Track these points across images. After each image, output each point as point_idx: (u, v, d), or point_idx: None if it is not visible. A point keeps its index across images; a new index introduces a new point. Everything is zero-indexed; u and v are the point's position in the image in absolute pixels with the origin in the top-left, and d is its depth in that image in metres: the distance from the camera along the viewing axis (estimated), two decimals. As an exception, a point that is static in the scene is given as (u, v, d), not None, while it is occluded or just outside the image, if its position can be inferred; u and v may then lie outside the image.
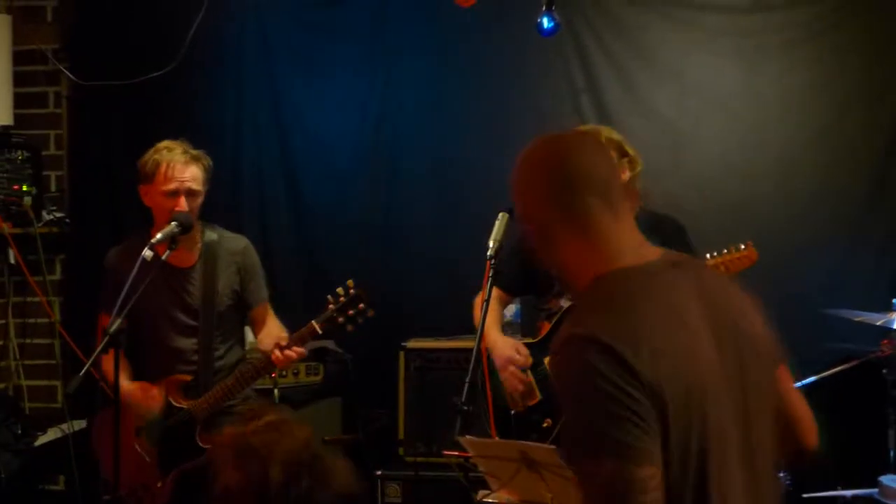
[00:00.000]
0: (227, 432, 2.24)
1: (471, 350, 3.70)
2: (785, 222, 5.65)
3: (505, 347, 4.13)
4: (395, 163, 6.12)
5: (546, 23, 5.42)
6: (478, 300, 4.17)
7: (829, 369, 4.96)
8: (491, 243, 3.73)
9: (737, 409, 2.25)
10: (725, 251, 3.88)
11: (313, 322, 4.17)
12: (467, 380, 3.58)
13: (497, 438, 3.91)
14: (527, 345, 4.22)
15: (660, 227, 4.16)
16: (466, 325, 4.58)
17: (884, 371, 4.82)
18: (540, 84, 5.97)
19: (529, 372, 4.13)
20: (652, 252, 2.38)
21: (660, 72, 5.87)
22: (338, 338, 5.62)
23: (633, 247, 2.35)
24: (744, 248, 3.87)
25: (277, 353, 4.16)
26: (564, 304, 4.10)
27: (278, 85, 6.19)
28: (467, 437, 3.33)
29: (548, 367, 4.05)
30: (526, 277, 4.22)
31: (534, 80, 5.97)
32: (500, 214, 3.81)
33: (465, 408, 3.51)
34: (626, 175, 4.16)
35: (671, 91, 5.86)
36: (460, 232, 5.78)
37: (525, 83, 5.96)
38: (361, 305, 4.18)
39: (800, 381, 4.91)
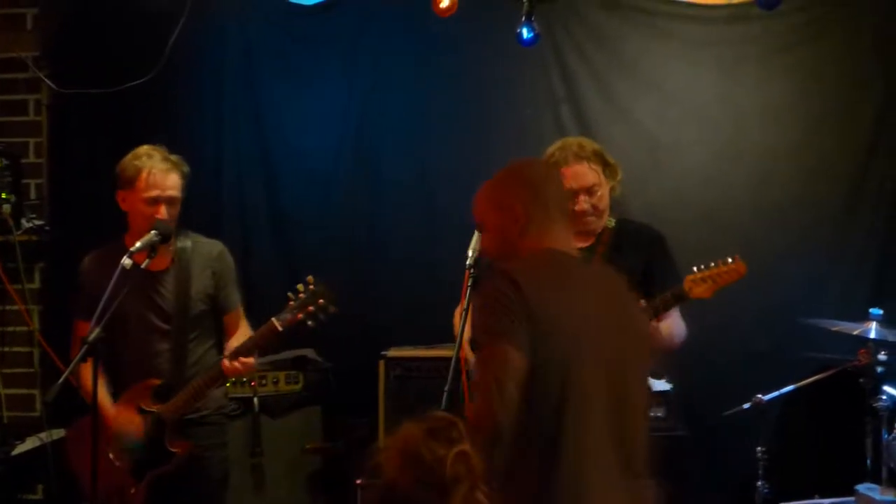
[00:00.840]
0: (407, 432, 2.26)
1: (451, 359, 3.70)
2: (763, 231, 5.68)
3: None
4: (376, 171, 6.12)
5: (526, 33, 5.45)
6: (458, 312, 4.19)
7: (807, 378, 4.99)
8: (470, 252, 3.72)
9: (609, 370, 2.88)
10: (713, 264, 3.89)
11: (273, 319, 4.16)
12: (446, 388, 3.58)
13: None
14: None
15: (640, 238, 4.20)
16: (447, 334, 4.58)
17: (861, 380, 4.84)
18: (520, 94, 5.98)
19: None
20: (575, 251, 3.18)
21: (639, 82, 5.90)
22: (317, 346, 5.62)
23: (564, 242, 3.10)
24: (731, 262, 3.87)
25: (226, 362, 4.16)
26: None
27: (259, 92, 6.18)
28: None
29: None
30: None
31: (514, 89, 5.98)
32: None
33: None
34: (611, 184, 4.19)
35: (651, 101, 5.89)
36: (441, 240, 5.78)
37: (506, 93, 5.97)
38: (321, 301, 4.16)
39: (778, 389, 4.95)
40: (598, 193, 4.16)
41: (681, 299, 3.96)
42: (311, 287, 4.17)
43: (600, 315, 2.94)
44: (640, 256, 4.14)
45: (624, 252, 4.13)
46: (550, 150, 4.25)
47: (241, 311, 4.54)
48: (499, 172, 3.24)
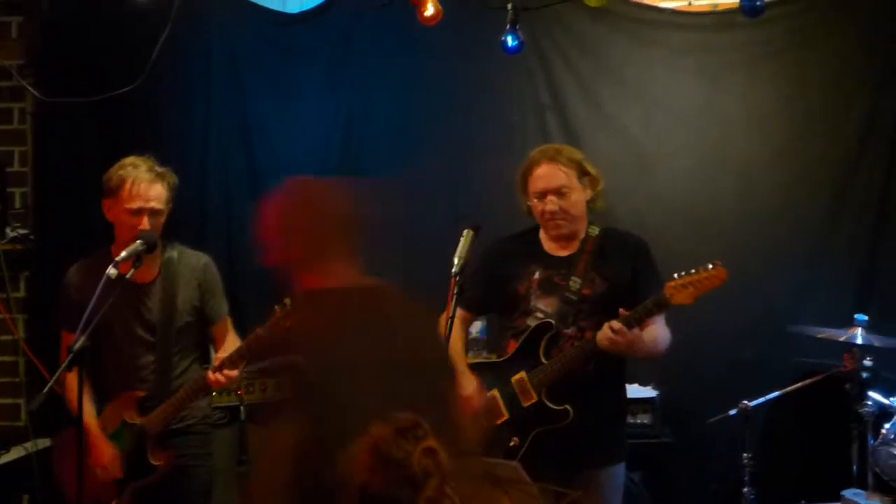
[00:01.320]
0: (375, 433, 2.32)
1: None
2: (748, 238, 5.70)
3: (469, 385, 4.07)
4: (362, 180, 6.11)
5: (510, 41, 5.46)
6: (442, 319, 4.19)
7: (792, 384, 5.00)
8: (456, 260, 3.78)
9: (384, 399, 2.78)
10: (693, 271, 3.88)
11: (258, 329, 4.14)
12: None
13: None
14: (493, 363, 4.24)
15: (625, 246, 4.19)
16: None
17: (846, 386, 4.87)
18: (506, 102, 5.99)
19: (496, 390, 4.13)
20: (353, 279, 3.14)
21: (625, 89, 5.91)
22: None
23: (342, 273, 3.08)
24: (712, 268, 3.87)
25: (210, 374, 4.16)
26: (532, 322, 4.10)
27: (245, 102, 6.17)
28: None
29: (514, 385, 4.07)
30: (490, 296, 4.24)
31: (500, 97, 5.99)
32: (465, 231, 3.87)
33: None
34: (588, 194, 4.18)
35: (636, 108, 5.90)
36: (427, 248, 5.76)
37: (491, 101, 5.99)
38: None
39: (764, 395, 4.97)
40: (570, 198, 4.11)
41: (662, 306, 3.93)
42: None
43: (379, 357, 2.94)
44: (625, 264, 4.12)
45: (609, 260, 4.13)
46: (531, 153, 4.26)
47: (228, 321, 4.53)
48: (284, 193, 3.21)
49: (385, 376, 2.87)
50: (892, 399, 4.78)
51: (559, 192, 4.10)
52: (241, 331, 4.57)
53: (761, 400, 4.97)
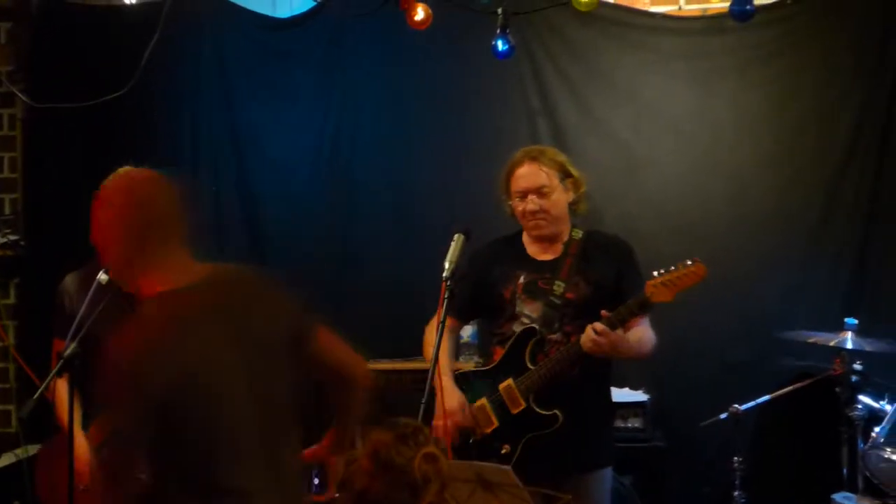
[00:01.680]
0: (376, 438, 2.38)
1: (427, 372, 3.70)
2: (739, 242, 5.70)
3: (453, 399, 4.05)
4: (352, 185, 6.12)
5: (501, 45, 5.47)
6: (428, 328, 4.21)
7: (783, 388, 5.01)
8: (446, 264, 3.75)
9: (256, 395, 2.73)
10: (673, 268, 3.88)
11: None
12: (423, 401, 3.60)
13: (453, 459, 3.89)
14: (481, 371, 4.21)
15: (609, 249, 4.18)
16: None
17: (837, 389, 4.88)
18: (496, 106, 6.00)
19: (485, 398, 4.10)
20: (197, 272, 2.86)
21: (615, 94, 5.92)
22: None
23: (180, 271, 2.83)
24: (691, 264, 3.87)
25: None
26: (517, 328, 4.09)
27: (235, 107, 6.17)
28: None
29: (502, 393, 4.05)
30: (476, 303, 4.21)
31: (490, 102, 6.00)
32: (456, 236, 3.84)
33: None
34: (570, 196, 4.17)
35: (626, 113, 5.91)
36: (417, 253, 5.79)
37: (481, 105, 5.99)
38: None
39: (755, 399, 4.97)
40: (551, 197, 4.09)
41: (644, 306, 3.93)
42: None
43: (236, 347, 2.78)
44: (609, 267, 4.11)
45: (593, 263, 4.11)
46: (515, 153, 4.25)
47: None
48: (110, 188, 3.05)
49: (251, 372, 2.77)
50: (882, 402, 4.79)
51: (540, 192, 4.08)
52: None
53: (752, 404, 4.97)
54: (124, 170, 4.25)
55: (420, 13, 5.47)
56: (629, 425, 5.37)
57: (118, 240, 2.87)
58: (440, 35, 5.69)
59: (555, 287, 4.06)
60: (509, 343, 4.08)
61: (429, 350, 4.15)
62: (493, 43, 5.48)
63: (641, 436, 5.35)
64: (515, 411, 4.02)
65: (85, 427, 4.30)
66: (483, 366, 4.29)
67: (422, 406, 3.60)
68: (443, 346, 4.09)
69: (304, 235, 6.13)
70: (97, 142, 5.96)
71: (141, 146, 5.77)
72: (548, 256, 4.16)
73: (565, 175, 4.16)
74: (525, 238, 4.22)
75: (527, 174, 4.12)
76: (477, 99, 6.00)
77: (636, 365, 5.45)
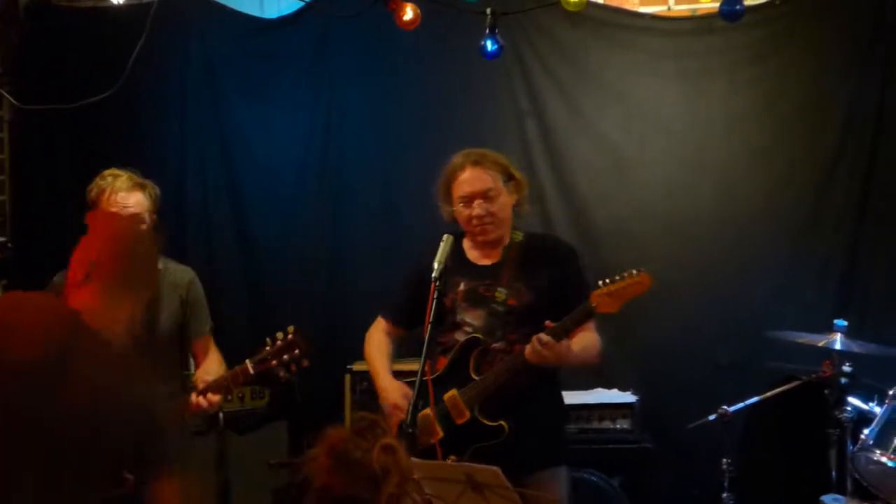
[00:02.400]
0: (333, 435, 2.31)
1: (416, 372, 3.67)
2: (727, 243, 5.71)
3: (393, 393, 4.03)
4: (340, 186, 6.11)
5: (490, 46, 5.45)
6: (369, 335, 4.30)
7: (772, 389, 5.00)
8: (436, 265, 3.69)
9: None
10: (618, 277, 3.82)
11: (248, 361, 4.12)
12: (411, 403, 3.58)
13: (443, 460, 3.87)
14: (424, 382, 3.90)
15: (550, 253, 4.14)
16: (412, 348, 4.55)
17: (826, 391, 4.86)
18: (485, 107, 5.99)
19: (429, 409, 3.92)
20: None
21: (604, 94, 5.91)
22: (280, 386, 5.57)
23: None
24: (636, 274, 3.80)
25: (195, 397, 4.12)
26: (460, 337, 4.02)
27: (222, 110, 6.16)
28: (413, 459, 3.32)
29: (447, 402, 3.96)
30: (417, 309, 3.89)
31: (479, 102, 5.99)
32: (445, 236, 3.80)
33: (410, 430, 3.50)
34: (514, 198, 4.11)
35: (615, 113, 5.90)
36: (406, 255, 5.74)
37: (470, 106, 5.98)
38: (297, 352, 4.09)
39: (744, 401, 4.97)
40: (497, 201, 4.02)
41: (589, 315, 3.85)
42: (290, 337, 4.13)
43: None
44: (552, 272, 4.04)
45: (534, 268, 4.04)
46: (454, 157, 4.17)
47: (209, 339, 4.51)
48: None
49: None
50: (871, 404, 4.78)
51: (486, 196, 4.02)
52: (221, 338, 4.57)
53: (741, 405, 4.96)
54: (110, 172, 4.28)
55: (409, 13, 5.45)
56: (618, 426, 5.35)
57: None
58: (428, 35, 5.68)
59: (496, 294, 4.01)
60: (452, 353, 4.01)
61: (367, 351, 4.29)
62: (482, 43, 5.46)
63: (630, 437, 5.34)
64: (460, 422, 3.94)
65: None
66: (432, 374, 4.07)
67: (410, 407, 3.56)
68: (381, 350, 4.25)
69: (292, 237, 6.12)
70: (85, 143, 5.96)
71: (128, 148, 5.76)
72: (487, 261, 4.11)
73: (508, 177, 4.11)
74: (466, 242, 4.16)
75: (471, 178, 4.05)
76: (465, 100, 5.99)
77: (624, 366, 5.47)
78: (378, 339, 4.31)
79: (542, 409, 4.04)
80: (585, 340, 3.97)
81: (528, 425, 3.91)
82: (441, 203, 4.18)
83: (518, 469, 3.59)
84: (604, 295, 3.79)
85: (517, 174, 4.15)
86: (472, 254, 4.15)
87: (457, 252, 4.05)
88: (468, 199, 4.04)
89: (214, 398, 4.14)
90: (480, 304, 4.02)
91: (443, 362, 4.04)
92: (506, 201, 4.08)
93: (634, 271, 3.80)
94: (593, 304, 3.80)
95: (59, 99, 5.92)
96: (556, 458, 4.09)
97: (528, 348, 3.80)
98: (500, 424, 3.88)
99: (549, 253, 4.13)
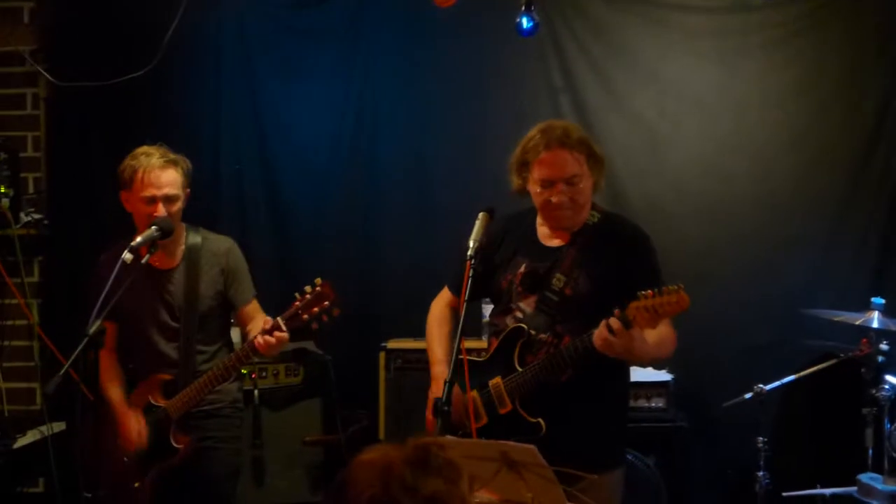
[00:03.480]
0: (379, 451, 2.11)
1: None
2: (763, 222, 5.69)
3: (440, 391, 3.65)
4: (374, 163, 6.12)
5: (525, 23, 5.42)
6: (433, 304, 4.15)
7: (808, 368, 4.98)
8: (471, 243, 3.60)
9: None
10: (658, 292, 3.40)
11: (278, 319, 4.12)
12: (446, 380, 3.50)
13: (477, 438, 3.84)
14: (474, 363, 3.84)
15: (622, 240, 3.87)
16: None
17: (862, 370, 4.84)
18: (519, 84, 5.96)
19: (476, 393, 3.88)
20: None
21: (639, 72, 5.89)
22: (315, 338, 5.59)
23: None
24: (674, 291, 3.42)
25: (260, 338, 4.11)
26: (510, 322, 3.86)
27: (256, 85, 6.17)
28: (449, 437, 3.32)
29: (491, 389, 3.85)
30: (479, 281, 3.66)
31: (513, 79, 5.97)
32: (480, 214, 3.71)
33: (446, 408, 3.46)
34: (591, 177, 3.81)
35: (650, 92, 5.88)
36: (439, 231, 5.79)
37: (504, 83, 5.96)
38: (326, 303, 4.04)
39: (779, 379, 4.95)
40: (580, 186, 3.74)
41: (626, 324, 3.49)
42: (318, 289, 4.10)
43: None
44: (618, 261, 3.78)
45: (600, 255, 3.80)
46: (532, 132, 3.83)
47: (256, 303, 4.52)
48: None
49: None
50: (908, 383, 4.76)
51: (570, 182, 3.74)
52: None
53: (776, 384, 4.95)
54: (142, 151, 4.29)
55: (445, -8, 5.44)
56: (652, 405, 5.34)
57: None
58: (463, 12, 5.65)
59: (554, 281, 3.79)
60: (500, 339, 3.88)
61: (429, 331, 4.12)
62: (518, 20, 5.44)
63: (665, 416, 5.33)
64: (503, 411, 3.81)
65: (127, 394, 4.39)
66: (479, 356, 4.00)
67: (446, 385, 3.51)
68: (442, 332, 4.06)
69: (326, 213, 6.13)
70: (119, 121, 5.97)
71: (163, 124, 5.78)
72: (556, 242, 3.88)
73: (590, 155, 3.81)
74: (539, 219, 3.93)
75: (556, 161, 3.74)
76: (499, 77, 5.98)
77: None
78: (440, 313, 4.13)
79: (586, 413, 3.79)
80: (662, 334, 3.69)
81: (567, 427, 3.73)
82: (512, 174, 3.88)
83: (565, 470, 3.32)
84: (641, 309, 3.46)
85: (598, 150, 3.86)
86: (542, 231, 3.92)
87: (527, 228, 3.94)
88: (550, 183, 3.75)
89: (283, 335, 4.08)
90: (535, 290, 3.82)
91: (494, 344, 3.92)
92: (587, 185, 3.80)
93: (673, 287, 3.45)
94: (630, 318, 3.48)
95: (95, 76, 5.94)
96: (609, 461, 3.86)
97: (596, 333, 3.56)
98: (538, 422, 3.73)
99: (620, 240, 3.85)
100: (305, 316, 4.08)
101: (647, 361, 3.92)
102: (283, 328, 4.09)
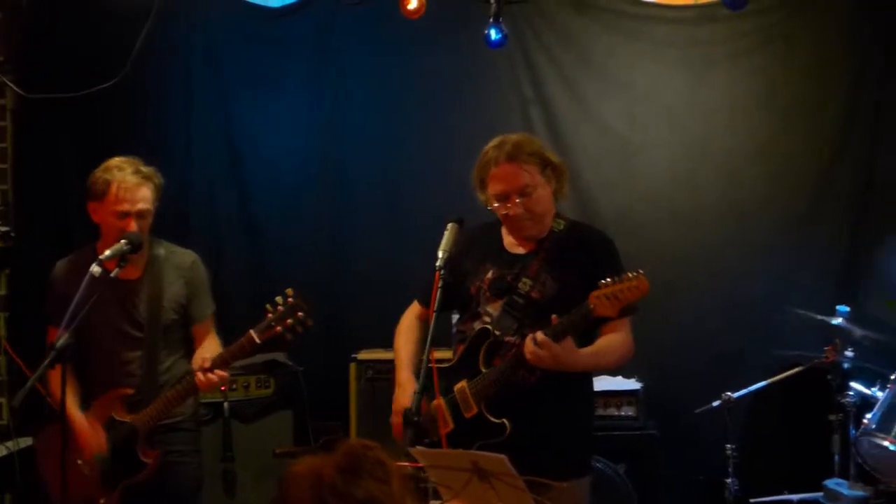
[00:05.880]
0: (308, 463, 2.17)
1: (421, 360, 3.65)
2: (731, 230, 5.73)
3: (405, 397, 3.79)
4: (344, 174, 6.12)
5: (494, 34, 5.46)
6: (402, 318, 4.14)
7: (775, 376, 5.02)
8: (440, 253, 3.63)
9: None
10: (618, 278, 3.47)
11: (251, 331, 4.11)
12: (416, 391, 3.54)
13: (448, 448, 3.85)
14: (440, 370, 3.82)
15: (587, 246, 3.91)
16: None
17: (828, 377, 4.89)
18: (489, 95, 5.99)
19: (442, 398, 3.85)
20: None
21: (608, 83, 5.92)
22: (288, 349, 5.58)
23: None
24: (633, 277, 3.48)
25: (200, 375, 4.13)
26: (477, 326, 3.86)
27: (227, 97, 6.16)
28: (418, 447, 3.32)
29: (457, 394, 3.83)
30: (447, 293, 3.67)
31: (483, 91, 5.99)
32: (449, 224, 3.73)
33: (416, 418, 3.46)
34: (553, 185, 3.88)
35: (619, 102, 5.91)
36: (409, 242, 5.80)
37: (474, 94, 5.98)
38: (300, 314, 4.07)
39: (747, 387, 4.98)
40: (534, 196, 3.79)
41: (587, 318, 3.57)
42: (290, 300, 4.11)
43: None
44: (583, 265, 3.79)
45: (567, 260, 3.83)
46: (486, 147, 3.89)
47: (210, 322, 4.50)
48: None
49: None
50: (873, 389, 4.80)
51: (523, 193, 3.78)
52: (226, 324, 4.57)
53: (745, 391, 4.99)
54: (115, 164, 4.27)
55: (413, 2, 5.46)
56: (622, 413, 5.37)
57: None
58: (433, 24, 5.69)
59: (520, 285, 3.81)
60: (466, 343, 3.89)
61: (396, 339, 4.10)
62: (486, 32, 5.47)
63: (635, 424, 5.36)
64: (468, 415, 3.79)
65: (84, 408, 4.34)
66: (446, 363, 3.96)
67: (415, 395, 3.52)
68: (409, 338, 4.04)
69: (296, 225, 6.13)
70: (88, 133, 5.94)
71: (133, 137, 5.76)
72: (521, 250, 3.92)
73: (545, 165, 3.86)
74: (503, 228, 3.96)
75: (506, 175, 3.80)
76: (469, 88, 6.00)
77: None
78: (408, 323, 4.13)
79: (554, 415, 3.80)
80: (605, 343, 3.77)
81: (535, 428, 3.73)
82: (476, 191, 3.93)
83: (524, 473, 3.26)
84: (601, 296, 3.51)
85: (554, 159, 3.91)
86: (508, 240, 3.95)
87: (493, 238, 3.97)
88: (504, 197, 3.80)
89: (223, 373, 4.14)
90: (503, 295, 3.84)
91: (460, 349, 3.93)
92: (544, 194, 3.84)
93: (632, 273, 3.52)
94: (591, 306, 3.54)
95: (63, 88, 5.91)
96: (577, 469, 3.84)
97: (524, 346, 3.62)
98: (503, 422, 3.71)
99: (585, 245, 3.89)
100: (279, 328, 4.08)
101: (590, 370, 3.91)
102: (226, 366, 4.13)
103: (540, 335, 3.56)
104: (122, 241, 4.08)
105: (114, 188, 4.19)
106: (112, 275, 4.02)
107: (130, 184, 4.20)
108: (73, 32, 6.04)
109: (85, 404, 4.35)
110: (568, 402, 3.85)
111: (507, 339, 3.80)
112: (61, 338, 3.78)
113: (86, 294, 3.87)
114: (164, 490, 4.33)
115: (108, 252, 4.04)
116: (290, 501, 2.09)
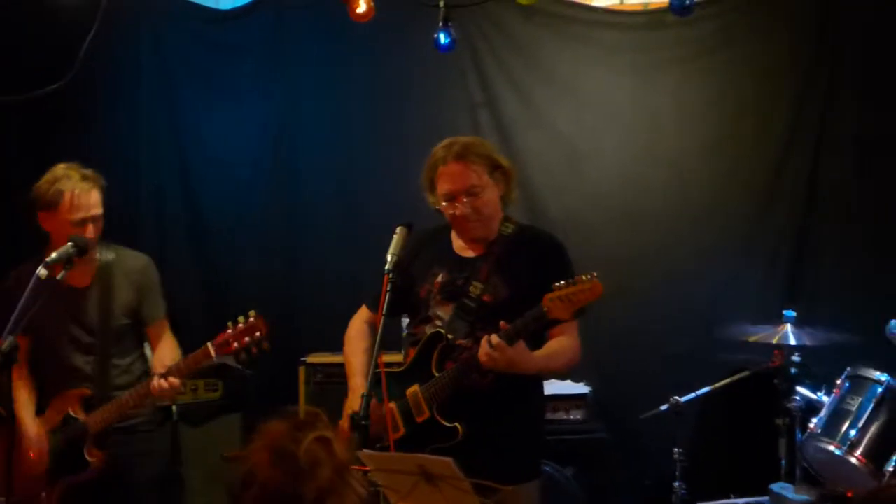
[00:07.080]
0: (272, 428, 2.25)
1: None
2: (680, 234, 5.77)
3: (356, 401, 3.70)
4: (295, 177, 6.12)
5: (443, 38, 5.48)
6: (350, 322, 4.13)
7: (722, 380, 5.05)
8: (389, 257, 3.65)
9: None
10: (572, 281, 3.50)
11: (209, 344, 4.12)
12: (364, 394, 3.52)
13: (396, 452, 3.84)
14: (391, 374, 3.79)
15: (537, 249, 3.93)
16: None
17: (775, 381, 4.92)
18: (438, 98, 6.01)
19: (394, 402, 3.84)
20: None
21: (557, 87, 5.95)
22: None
23: None
24: (587, 280, 3.51)
25: (155, 382, 4.13)
26: (428, 330, 3.88)
27: (176, 99, 6.14)
28: (366, 451, 3.32)
29: (409, 398, 3.84)
30: (397, 298, 3.71)
31: (432, 94, 6.01)
32: (398, 228, 3.74)
33: (363, 422, 3.46)
34: (501, 188, 3.90)
35: (568, 106, 5.94)
36: (360, 245, 5.79)
37: (423, 97, 5.99)
38: (258, 334, 4.10)
39: (695, 391, 5.01)
40: (482, 197, 3.81)
41: (540, 321, 3.60)
42: (251, 320, 4.13)
43: None
44: (534, 269, 3.81)
45: (516, 263, 3.85)
46: (435, 148, 3.91)
47: (164, 323, 4.50)
48: None
49: None
50: (819, 394, 4.84)
51: (470, 193, 3.80)
52: (174, 328, 4.54)
53: (692, 395, 5.01)
54: (63, 172, 4.23)
55: (362, 6, 5.46)
56: (571, 417, 5.39)
57: None
58: (383, 27, 5.69)
59: (471, 289, 3.82)
60: (418, 347, 3.88)
61: (346, 345, 4.08)
62: (436, 36, 5.48)
63: (583, 428, 5.38)
64: (420, 419, 3.80)
65: (40, 412, 4.32)
66: (397, 367, 3.97)
67: (363, 398, 3.52)
68: (359, 345, 4.02)
69: (247, 228, 6.12)
70: (36, 136, 5.87)
71: (80, 141, 5.70)
72: (471, 254, 3.93)
73: (494, 168, 3.89)
74: (453, 232, 3.98)
75: (454, 174, 3.82)
76: (419, 91, 6.01)
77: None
78: (357, 329, 4.11)
79: (507, 416, 3.81)
80: (556, 346, 3.80)
81: (488, 431, 3.74)
82: (426, 193, 3.94)
83: (475, 476, 3.25)
84: (555, 299, 3.54)
85: (503, 162, 3.93)
86: (458, 244, 3.97)
87: (443, 241, 3.98)
88: (451, 196, 3.82)
89: (176, 381, 4.14)
90: (454, 298, 3.85)
91: (411, 353, 3.92)
92: (492, 196, 3.86)
93: (586, 276, 3.54)
94: (545, 309, 3.56)
95: (7, 91, 5.83)
96: (526, 473, 3.86)
97: (479, 349, 3.63)
98: (455, 426, 3.72)
99: (534, 248, 3.91)
100: (235, 345, 4.10)
101: (541, 372, 3.92)
102: (180, 376, 4.14)
103: (495, 338, 3.57)
104: (69, 243, 4.05)
105: (67, 197, 4.16)
106: (59, 277, 3.98)
107: (83, 190, 4.18)
108: (17, 34, 5.95)
109: (41, 409, 4.36)
110: (520, 406, 3.87)
111: (459, 342, 3.81)
112: (6, 341, 3.76)
113: (31, 297, 3.85)
114: (118, 492, 4.32)
115: (54, 255, 4.01)
116: (254, 468, 2.20)
